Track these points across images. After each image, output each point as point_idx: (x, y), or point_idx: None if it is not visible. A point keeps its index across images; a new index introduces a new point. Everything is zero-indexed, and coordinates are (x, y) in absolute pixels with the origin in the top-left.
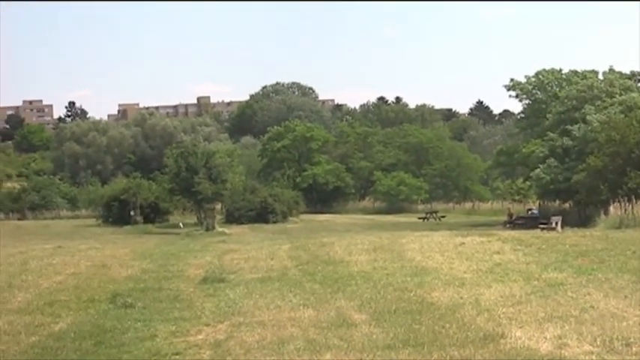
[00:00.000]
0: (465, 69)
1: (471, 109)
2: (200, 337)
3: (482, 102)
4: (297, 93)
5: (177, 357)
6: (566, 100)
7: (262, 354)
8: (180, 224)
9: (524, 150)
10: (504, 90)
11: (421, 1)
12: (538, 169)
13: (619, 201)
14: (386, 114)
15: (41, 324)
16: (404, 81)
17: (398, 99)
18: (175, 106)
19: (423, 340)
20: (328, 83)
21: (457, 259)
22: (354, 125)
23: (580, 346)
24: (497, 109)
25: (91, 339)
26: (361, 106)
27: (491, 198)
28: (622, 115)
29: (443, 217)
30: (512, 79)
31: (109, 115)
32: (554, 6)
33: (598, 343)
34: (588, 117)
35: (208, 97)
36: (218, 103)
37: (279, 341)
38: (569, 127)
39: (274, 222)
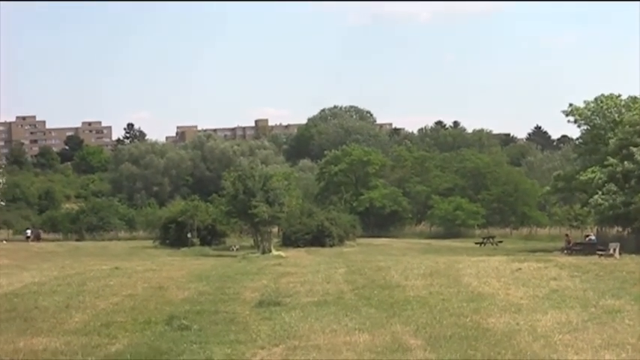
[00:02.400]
0: (524, 94)
1: (529, 134)
2: None
3: (540, 127)
4: (354, 117)
5: None
6: (628, 126)
7: None
8: (233, 247)
9: (581, 177)
10: (563, 115)
11: (479, 27)
12: (596, 195)
13: None
14: (444, 138)
15: (98, 345)
16: (462, 106)
17: (456, 123)
18: (233, 129)
19: None
20: (386, 107)
21: (514, 285)
22: (412, 149)
23: None
24: (555, 135)
25: None
26: (419, 130)
27: (548, 224)
28: None
29: (500, 242)
30: (570, 105)
31: (167, 138)
32: (613, 33)
33: None
34: None
35: (266, 120)
36: (276, 126)
37: None
38: (632, 148)
39: (331, 245)
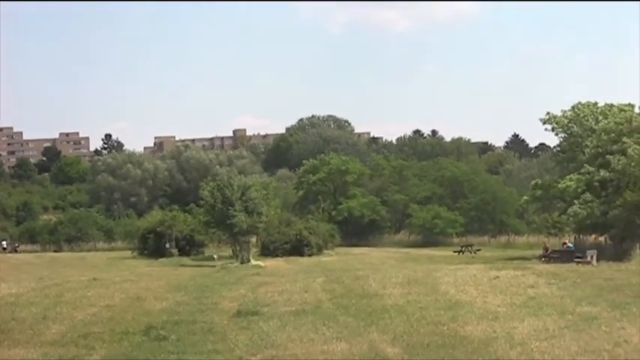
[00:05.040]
0: (501, 103)
1: (506, 143)
2: None
3: (518, 135)
4: (332, 126)
5: None
6: (603, 134)
7: None
8: (215, 256)
9: (559, 185)
10: (540, 124)
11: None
12: (575, 206)
13: None
14: (422, 147)
15: (75, 356)
16: (440, 114)
17: (434, 132)
18: (212, 139)
19: None
20: (364, 116)
21: (491, 293)
22: (390, 158)
23: None
24: (533, 143)
25: None
26: (397, 139)
27: (526, 231)
28: None
29: (478, 250)
30: (548, 113)
31: (145, 148)
32: (590, 41)
33: None
34: (629, 150)
35: (244, 130)
36: (254, 135)
37: None
38: (609, 157)
39: (309, 255)
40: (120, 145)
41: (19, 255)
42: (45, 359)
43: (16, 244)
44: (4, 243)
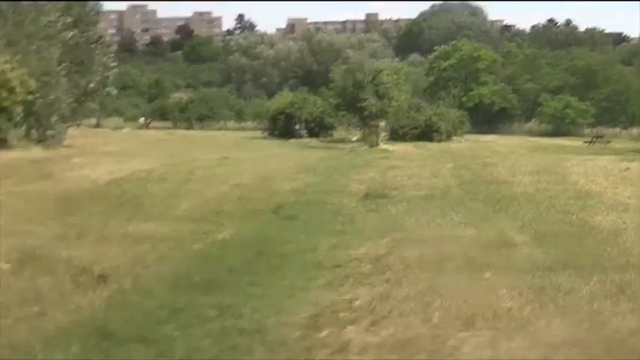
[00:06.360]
0: None
1: None
2: (361, 251)
3: None
4: (466, 12)
5: (338, 269)
6: None
7: (422, 270)
8: (355, 138)
9: None
10: None
11: None
12: None
13: None
14: (555, 36)
15: (205, 232)
16: (574, 3)
17: (568, 21)
18: (343, 22)
19: (584, 263)
20: (498, 3)
21: (621, 184)
22: (522, 46)
23: None
24: None
25: (253, 248)
26: (531, 27)
27: None
28: None
29: (609, 141)
30: None
31: (277, 30)
32: None
33: None
34: None
35: (376, 15)
36: (386, 20)
37: (439, 258)
38: None
39: (438, 141)
40: (252, 25)
41: (150, 131)
42: (176, 234)
43: (148, 121)
44: (142, 119)
